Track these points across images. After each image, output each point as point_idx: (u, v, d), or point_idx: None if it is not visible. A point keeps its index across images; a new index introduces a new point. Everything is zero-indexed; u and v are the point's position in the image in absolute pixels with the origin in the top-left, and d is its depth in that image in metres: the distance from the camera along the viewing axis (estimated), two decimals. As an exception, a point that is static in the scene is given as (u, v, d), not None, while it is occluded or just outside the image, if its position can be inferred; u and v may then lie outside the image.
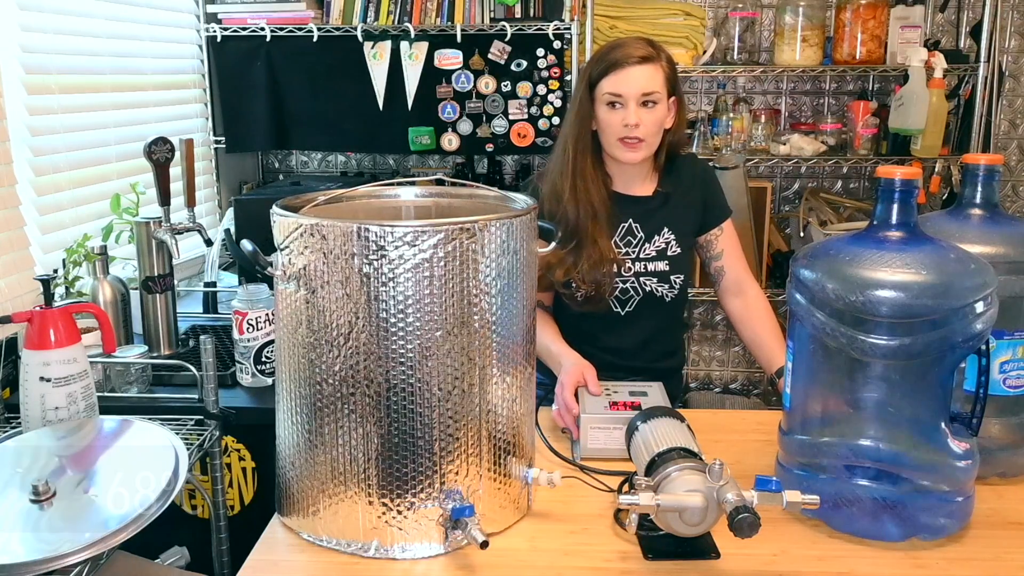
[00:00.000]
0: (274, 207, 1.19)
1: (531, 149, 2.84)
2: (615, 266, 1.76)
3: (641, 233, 1.80)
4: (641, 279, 1.79)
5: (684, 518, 1.10)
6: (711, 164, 2.61)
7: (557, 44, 2.73)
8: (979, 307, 1.12)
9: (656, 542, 1.17)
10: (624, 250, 1.79)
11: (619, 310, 1.81)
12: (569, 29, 2.71)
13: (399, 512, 1.15)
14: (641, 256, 1.80)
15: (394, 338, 1.11)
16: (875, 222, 1.20)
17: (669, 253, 1.80)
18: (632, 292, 1.80)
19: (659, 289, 1.80)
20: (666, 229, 1.81)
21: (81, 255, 1.95)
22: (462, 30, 2.72)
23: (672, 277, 1.81)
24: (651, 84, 1.69)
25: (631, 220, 1.80)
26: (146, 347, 1.89)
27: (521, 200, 1.31)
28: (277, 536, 1.24)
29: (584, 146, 1.76)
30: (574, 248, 1.73)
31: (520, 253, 1.18)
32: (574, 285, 1.75)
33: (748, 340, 1.84)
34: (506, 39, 2.74)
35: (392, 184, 1.44)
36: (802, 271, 1.22)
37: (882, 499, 1.16)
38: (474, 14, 2.75)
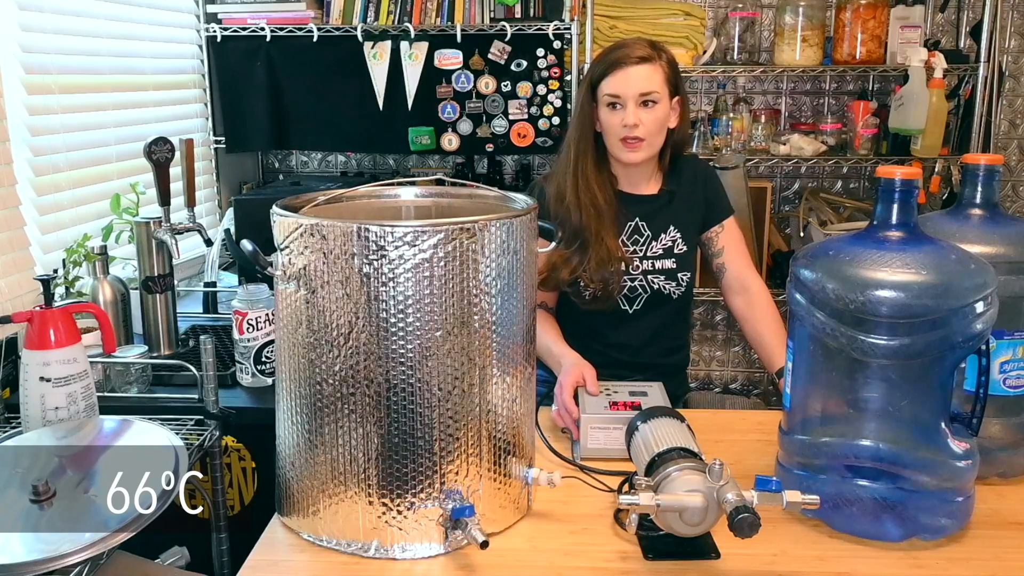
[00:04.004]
0: (274, 207, 1.19)
1: (531, 149, 2.84)
2: (623, 264, 1.77)
3: (648, 232, 1.81)
4: (649, 277, 1.80)
5: (684, 518, 1.10)
6: (711, 164, 2.61)
7: (557, 44, 2.73)
8: (979, 307, 1.12)
9: (656, 542, 1.17)
10: (631, 248, 1.80)
11: (627, 308, 1.82)
12: (569, 29, 2.71)
13: (399, 512, 1.15)
14: (648, 254, 1.80)
15: (394, 338, 1.11)
16: (875, 222, 1.20)
17: (676, 251, 1.81)
18: (640, 290, 1.81)
19: (667, 287, 1.81)
20: (672, 227, 1.82)
21: (81, 255, 1.94)
22: (462, 30, 2.72)
23: (679, 275, 1.81)
24: (649, 84, 1.69)
25: (637, 219, 1.81)
26: (146, 347, 1.89)
27: (521, 200, 1.31)
28: (277, 536, 1.24)
29: (586, 148, 1.76)
30: (579, 248, 1.74)
31: (520, 253, 1.18)
32: (581, 284, 1.76)
33: (751, 338, 1.85)
34: (506, 39, 2.74)
35: (392, 184, 1.44)
36: (802, 271, 1.22)
37: (882, 499, 1.16)
38: (474, 14, 2.75)
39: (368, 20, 2.77)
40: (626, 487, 1.31)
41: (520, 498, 1.26)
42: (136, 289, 1.92)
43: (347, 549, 1.18)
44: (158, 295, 1.91)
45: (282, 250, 1.16)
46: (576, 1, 2.70)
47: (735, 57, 2.86)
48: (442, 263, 1.10)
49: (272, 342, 1.72)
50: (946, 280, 1.12)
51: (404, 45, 2.75)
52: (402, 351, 1.11)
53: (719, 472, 1.08)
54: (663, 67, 1.72)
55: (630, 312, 1.82)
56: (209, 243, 2.05)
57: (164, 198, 1.89)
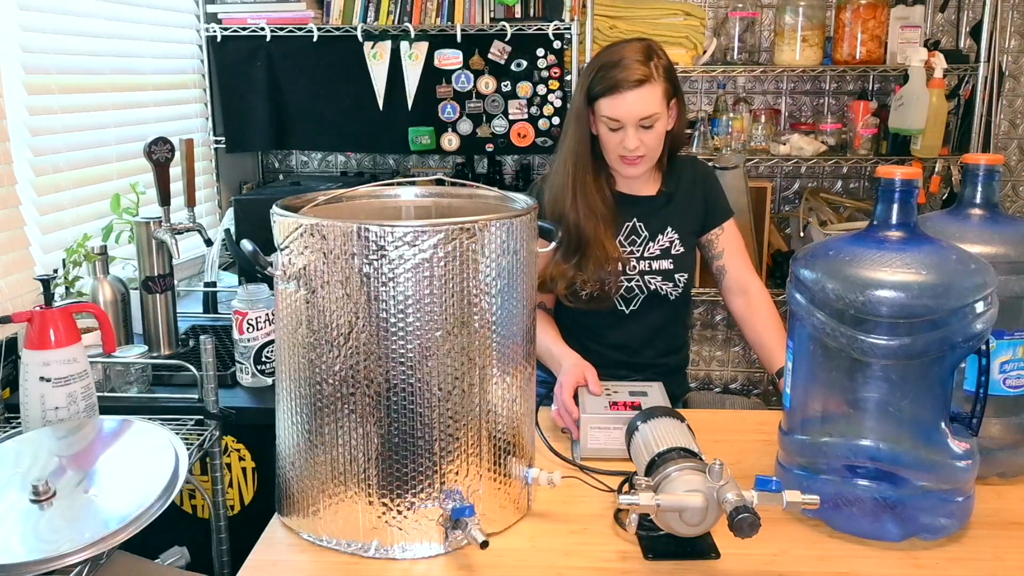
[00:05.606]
0: (274, 207, 1.19)
1: (531, 149, 2.84)
2: (620, 265, 1.76)
3: (645, 232, 1.81)
4: (646, 277, 1.80)
5: (684, 518, 1.10)
6: (711, 164, 2.62)
7: (557, 44, 2.73)
8: (979, 307, 1.12)
9: (656, 542, 1.17)
10: (628, 249, 1.80)
11: (624, 308, 1.82)
12: (569, 29, 2.71)
13: (399, 512, 1.15)
14: (645, 255, 1.80)
15: (394, 338, 1.11)
16: (875, 222, 1.20)
17: (673, 252, 1.81)
18: (637, 290, 1.80)
19: (663, 287, 1.81)
20: (670, 228, 1.81)
21: (81, 255, 1.95)
22: (462, 30, 2.73)
23: (676, 275, 1.81)
24: (648, 107, 1.66)
25: (635, 219, 1.80)
26: (146, 347, 1.89)
27: (521, 200, 1.31)
28: (277, 536, 1.24)
29: (584, 156, 1.74)
30: (577, 259, 1.74)
31: (520, 253, 1.18)
32: (578, 284, 1.76)
33: (751, 340, 1.84)
34: (506, 39, 2.74)
35: (392, 184, 1.44)
36: (802, 271, 1.22)
37: (882, 499, 1.16)
38: (474, 14, 2.75)
39: (368, 20, 2.77)
40: (626, 487, 1.31)
41: (520, 498, 1.26)
42: (136, 289, 1.92)
43: (347, 549, 1.18)
44: (158, 295, 1.91)
45: (282, 250, 1.16)
46: (576, 1, 2.70)
47: (735, 57, 2.86)
48: (442, 263, 1.10)
49: (272, 342, 1.72)
50: (946, 280, 1.12)
51: (404, 45, 2.75)
52: (402, 351, 1.11)
53: (719, 472, 1.08)
54: (660, 83, 1.67)
55: (627, 312, 1.82)
56: (209, 243, 2.05)
57: (164, 198, 1.89)
